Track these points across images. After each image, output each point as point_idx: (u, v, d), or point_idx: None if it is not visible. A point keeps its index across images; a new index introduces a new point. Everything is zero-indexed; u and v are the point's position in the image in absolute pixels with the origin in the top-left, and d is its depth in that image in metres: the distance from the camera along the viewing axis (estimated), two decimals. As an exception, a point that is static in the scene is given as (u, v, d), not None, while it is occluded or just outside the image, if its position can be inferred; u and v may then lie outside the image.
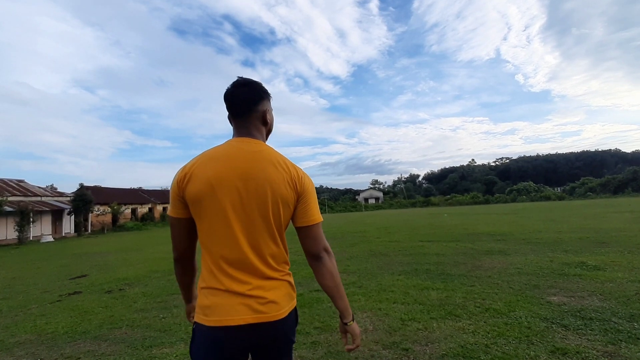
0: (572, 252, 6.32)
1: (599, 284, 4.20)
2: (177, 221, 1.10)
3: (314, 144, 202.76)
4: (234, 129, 1.16)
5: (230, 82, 1.15)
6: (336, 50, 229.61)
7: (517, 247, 7.30)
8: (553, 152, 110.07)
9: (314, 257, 1.14)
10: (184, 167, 1.07)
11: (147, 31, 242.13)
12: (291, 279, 1.15)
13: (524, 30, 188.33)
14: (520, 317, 3.28)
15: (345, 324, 1.16)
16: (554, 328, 3.00)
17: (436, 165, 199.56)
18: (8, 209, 21.09)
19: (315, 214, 1.13)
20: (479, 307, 3.61)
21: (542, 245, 7.29)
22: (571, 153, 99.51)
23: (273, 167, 1.07)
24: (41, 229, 24.44)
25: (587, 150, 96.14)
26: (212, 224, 1.04)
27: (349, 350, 1.17)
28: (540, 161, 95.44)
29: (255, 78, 1.19)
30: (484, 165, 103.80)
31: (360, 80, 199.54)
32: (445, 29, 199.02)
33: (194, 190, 1.03)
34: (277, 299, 1.05)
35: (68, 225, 27.47)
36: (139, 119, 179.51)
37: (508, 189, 60.01)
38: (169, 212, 1.11)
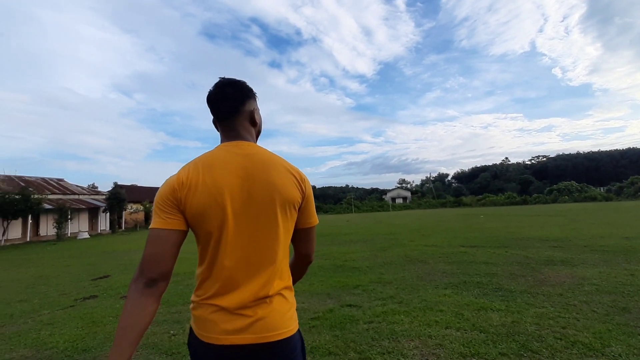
0: (655, 264, 5.27)
1: None
2: (168, 234, 0.92)
3: (340, 143, 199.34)
4: (221, 133, 1.07)
5: (219, 84, 1.06)
6: (362, 49, 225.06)
7: (582, 256, 6.25)
8: (595, 149, 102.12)
9: (307, 259, 1.14)
10: (178, 175, 0.95)
11: (180, 36, 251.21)
12: (288, 293, 1.01)
13: (562, 21, 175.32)
14: (621, 356, 2.50)
15: None
16: (673, 374, 2.21)
17: (466, 164, 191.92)
18: (47, 206, 22.05)
19: (315, 214, 1.10)
20: (560, 339, 2.82)
21: (611, 255, 6.22)
22: (615, 150, 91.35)
23: (275, 170, 0.99)
24: (78, 226, 25.50)
25: (633, 147, 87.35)
26: (215, 236, 0.94)
27: None
28: (580, 159, 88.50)
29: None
30: (518, 163, 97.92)
31: (387, 78, 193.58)
32: (476, 22, 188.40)
33: (199, 202, 0.92)
34: (270, 317, 0.93)
35: (103, 222, 28.55)
36: (172, 121, 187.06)
37: (547, 188, 56.16)
38: (156, 224, 0.92)
